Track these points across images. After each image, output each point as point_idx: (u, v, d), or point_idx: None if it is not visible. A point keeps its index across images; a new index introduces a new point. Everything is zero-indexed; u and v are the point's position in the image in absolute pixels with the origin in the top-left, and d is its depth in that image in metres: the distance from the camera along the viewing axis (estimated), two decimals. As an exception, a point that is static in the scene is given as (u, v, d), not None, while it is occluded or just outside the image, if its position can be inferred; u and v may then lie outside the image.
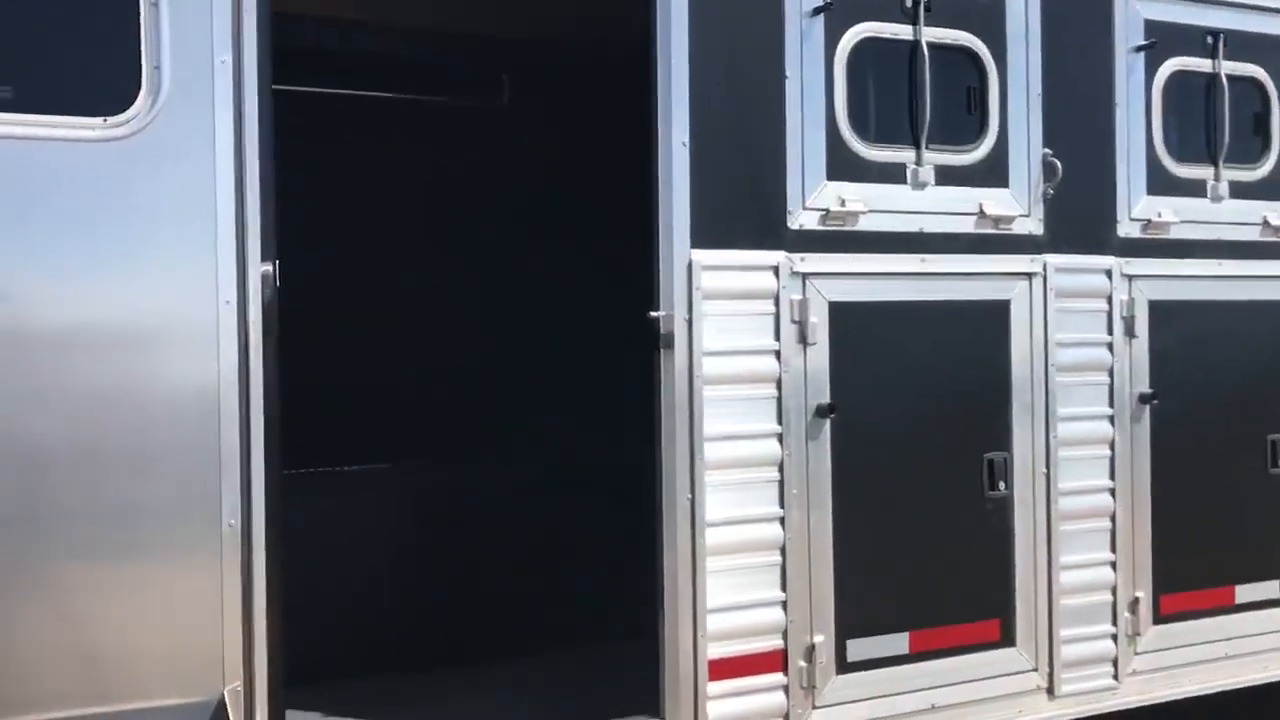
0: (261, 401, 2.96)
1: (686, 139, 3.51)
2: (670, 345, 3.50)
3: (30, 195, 2.77)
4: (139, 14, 2.79)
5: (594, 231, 4.25)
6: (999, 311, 4.01)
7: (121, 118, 2.80)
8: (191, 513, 2.84)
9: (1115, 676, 4.22)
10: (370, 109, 4.57)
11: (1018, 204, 4.03)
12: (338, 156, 4.40)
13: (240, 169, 2.90)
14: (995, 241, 3.99)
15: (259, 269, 2.95)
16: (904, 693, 3.83)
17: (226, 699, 2.87)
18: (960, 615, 3.93)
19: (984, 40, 3.97)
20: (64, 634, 2.76)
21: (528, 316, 4.71)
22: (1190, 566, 4.36)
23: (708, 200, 3.54)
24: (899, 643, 3.83)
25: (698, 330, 3.52)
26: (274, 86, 4.01)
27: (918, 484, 3.85)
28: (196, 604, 2.87)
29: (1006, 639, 4.01)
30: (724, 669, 3.56)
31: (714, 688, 3.54)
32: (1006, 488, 4.00)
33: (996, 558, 4.00)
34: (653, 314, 3.50)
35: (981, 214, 3.96)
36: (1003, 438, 4.00)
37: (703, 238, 3.54)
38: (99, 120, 2.78)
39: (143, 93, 2.81)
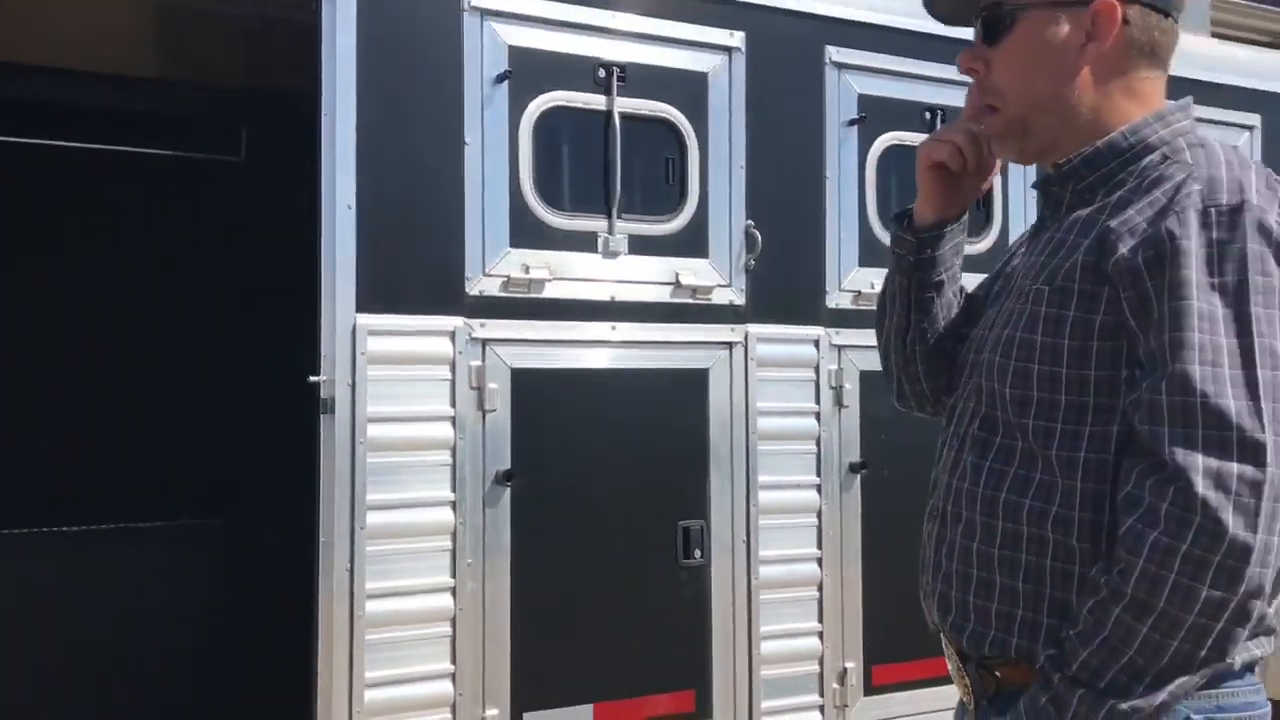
0: None
1: (352, 202, 3.48)
2: (331, 410, 3.45)
3: None
4: None
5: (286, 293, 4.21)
6: (697, 380, 4.02)
7: None
8: None
9: (823, 748, 4.20)
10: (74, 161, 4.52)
11: (718, 274, 4.06)
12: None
13: None
14: (693, 311, 4.01)
15: None
16: (586, 767, 3.77)
17: None
18: (652, 686, 3.88)
19: (684, 112, 4.01)
20: None
21: (235, 378, 4.66)
22: (904, 636, 4.37)
23: (377, 264, 3.51)
24: (583, 715, 3.77)
25: (362, 395, 3.47)
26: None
27: (606, 552, 3.81)
28: None
29: (703, 711, 3.97)
30: (383, 745, 3.47)
31: (371, 764, 3.45)
32: (703, 555, 3.98)
33: (692, 627, 3.96)
34: (313, 379, 3.45)
35: (678, 284, 3.98)
36: (700, 505, 3.99)
37: (371, 301, 3.50)
38: None
39: None
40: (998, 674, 1.73)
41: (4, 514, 4.28)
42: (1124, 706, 1.51)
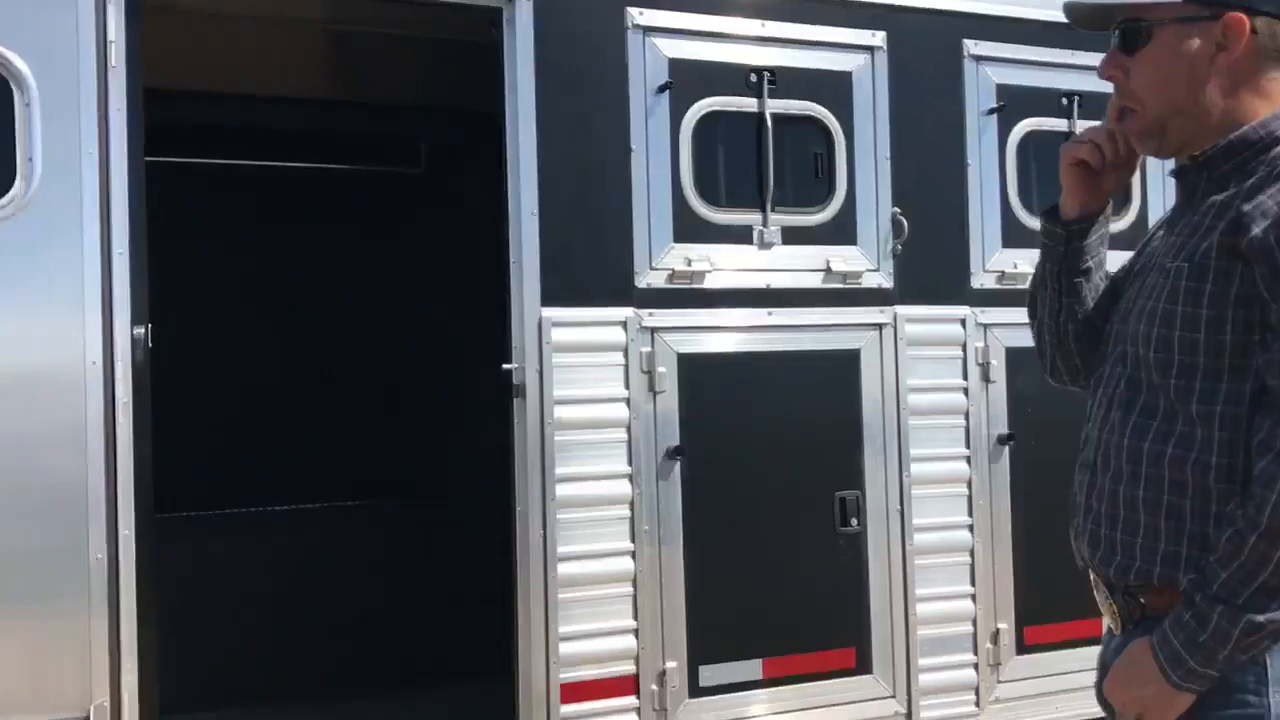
0: (131, 450, 3.35)
1: (535, 209, 3.88)
2: (523, 395, 3.86)
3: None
4: (14, 114, 3.24)
5: (486, 291, 4.64)
6: (849, 360, 4.30)
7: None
8: (60, 546, 3.24)
9: (977, 704, 4.44)
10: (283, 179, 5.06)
11: (867, 260, 4.34)
12: (247, 223, 4.88)
13: (107, 245, 3.33)
14: (844, 295, 4.29)
15: (129, 332, 3.37)
16: (758, 715, 4.10)
17: (92, 713, 3.24)
18: (814, 644, 4.19)
19: (831, 110, 4.30)
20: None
21: (423, 370, 5.12)
22: (1054, 600, 4.58)
23: (557, 263, 3.90)
24: (752, 669, 4.10)
25: (548, 380, 3.87)
26: (192, 160, 4.51)
27: (768, 520, 4.14)
28: (69, 631, 3.26)
29: (863, 666, 4.27)
30: (576, 692, 3.86)
31: (566, 710, 3.85)
32: (859, 524, 4.27)
33: (850, 590, 4.26)
34: (505, 366, 3.87)
35: (829, 270, 4.27)
36: (855, 477, 4.28)
37: (553, 297, 3.90)
38: (-21, 206, 3.23)
39: (17, 181, 3.25)
40: (1142, 600, 1.99)
41: (226, 494, 4.84)
42: (1260, 619, 1.77)
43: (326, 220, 5.34)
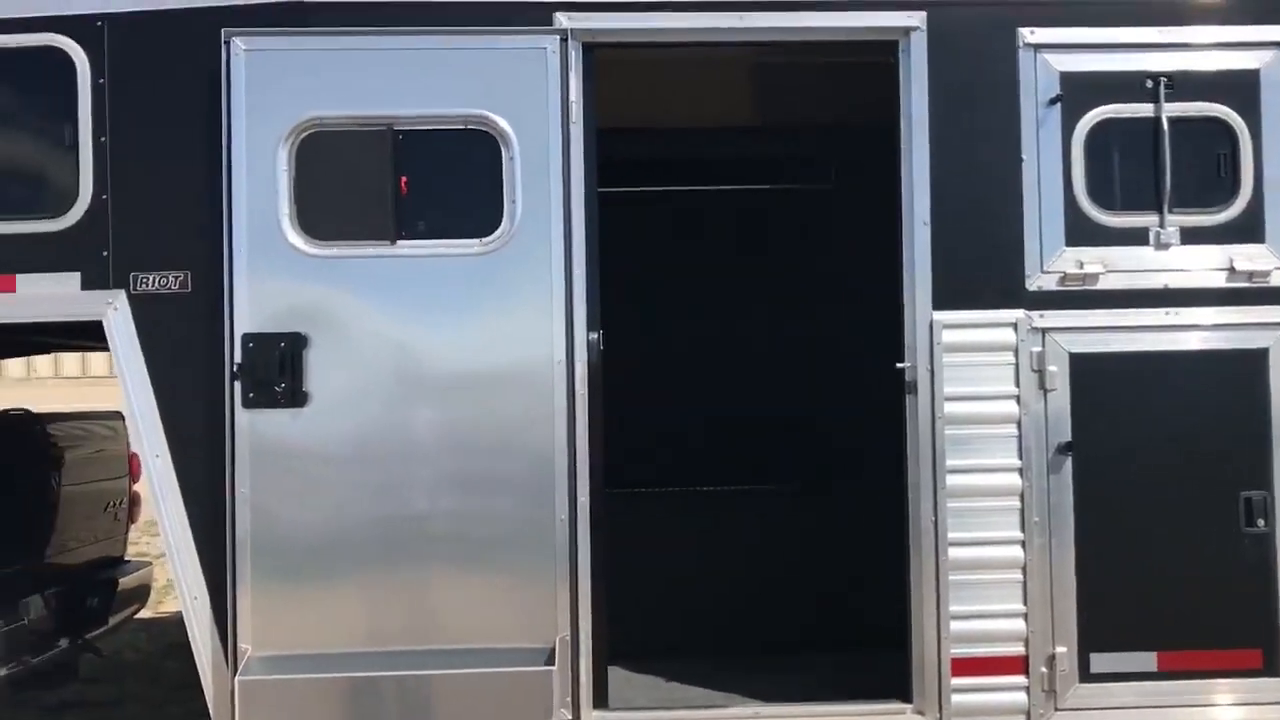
0: (586, 433, 4.10)
1: (928, 219, 4.23)
2: (914, 392, 4.22)
3: (441, 288, 4.12)
4: (502, 168, 4.08)
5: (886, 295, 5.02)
6: (1256, 359, 4.26)
7: (491, 237, 4.10)
8: (534, 510, 4.04)
9: None
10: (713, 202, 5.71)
11: (1275, 257, 4.27)
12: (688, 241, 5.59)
13: (569, 268, 4.09)
14: (1249, 294, 4.26)
15: (586, 336, 4.12)
16: (1151, 706, 4.19)
17: (557, 645, 4.02)
18: (1214, 641, 4.21)
19: (1236, 109, 4.27)
20: (481, 592, 4.03)
21: (826, 369, 5.56)
22: None
23: (948, 269, 4.23)
24: (1147, 660, 4.20)
25: (939, 379, 4.21)
26: (636, 189, 5.29)
27: (1165, 516, 4.20)
28: (540, 577, 4.06)
29: (1270, 669, 4.21)
30: (966, 667, 4.17)
31: (956, 682, 4.17)
32: (1267, 525, 4.21)
33: (1257, 590, 4.22)
34: (899, 365, 4.25)
35: (1233, 269, 4.25)
36: (1263, 478, 4.23)
37: (945, 300, 4.23)
38: (478, 240, 4.10)
39: (504, 219, 4.09)
40: None
41: (655, 475, 5.56)
42: None
43: (747, 235, 5.93)
